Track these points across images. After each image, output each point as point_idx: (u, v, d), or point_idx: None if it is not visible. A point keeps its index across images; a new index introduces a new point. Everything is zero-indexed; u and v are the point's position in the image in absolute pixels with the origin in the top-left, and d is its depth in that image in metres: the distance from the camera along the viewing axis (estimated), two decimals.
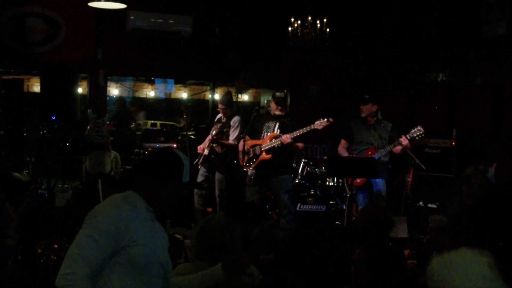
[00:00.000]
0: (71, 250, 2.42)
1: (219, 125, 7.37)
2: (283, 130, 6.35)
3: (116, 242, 2.44)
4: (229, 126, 7.22)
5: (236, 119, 7.26)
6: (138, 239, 2.48)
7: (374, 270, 3.29)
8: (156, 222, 2.68)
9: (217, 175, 7.23)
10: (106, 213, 2.49)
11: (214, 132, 7.26)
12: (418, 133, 6.34)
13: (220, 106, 7.42)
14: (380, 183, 6.50)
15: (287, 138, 6.19)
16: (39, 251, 3.64)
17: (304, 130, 6.24)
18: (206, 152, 7.25)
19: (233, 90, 9.94)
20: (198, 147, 7.43)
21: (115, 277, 2.46)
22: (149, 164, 2.67)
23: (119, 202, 2.56)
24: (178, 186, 2.63)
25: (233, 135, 7.17)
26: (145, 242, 2.51)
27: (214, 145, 7.20)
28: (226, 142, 7.15)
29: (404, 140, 6.27)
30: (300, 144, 6.41)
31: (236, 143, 7.01)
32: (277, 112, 6.50)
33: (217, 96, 10.94)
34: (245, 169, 6.50)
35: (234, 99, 10.86)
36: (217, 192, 7.23)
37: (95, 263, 2.40)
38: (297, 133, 6.23)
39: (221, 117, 7.46)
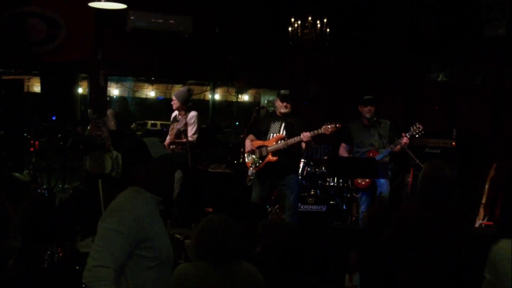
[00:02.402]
0: (96, 244, 2.49)
1: (175, 124, 7.27)
2: (289, 131, 6.31)
3: (140, 236, 2.53)
4: (186, 124, 7.11)
5: (192, 114, 7.18)
6: (159, 232, 2.61)
7: (373, 272, 3.31)
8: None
9: (177, 174, 7.16)
10: (129, 208, 2.57)
11: (169, 138, 7.21)
12: (417, 131, 6.34)
13: (173, 99, 7.30)
14: (384, 184, 6.49)
15: (307, 135, 6.11)
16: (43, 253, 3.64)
17: (315, 133, 6.21)
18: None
19: (233, 90, 9.96)
20: None
21: (140, 270, 2.55)
22: (127, 157, 2.80)
23: (131, 198, 2.65)
24: (162, 159, 2.70)
25: (191, 131, 7.09)
26: (162, 235, 2.65)
27: (172, 146, 7.16)
28: (184, 140, 7.09)
29: (406, 140, 6.28)
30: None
31: (194, 139, 7.05)
32: (283, 110, 6.37)
33: (217, 96, 10.95)
34: (250, 170, 6.43)
35: (234, 99, 10.88)
36: (175, 191, 7.12)
37: (122, 255, 2.48)
38: (315, 132, 6.18)
39: (176, 115, 7.36)
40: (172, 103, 7.36)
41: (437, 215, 3.53)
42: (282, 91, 6.48)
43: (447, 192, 3.62)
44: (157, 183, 2.70)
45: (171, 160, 2.75)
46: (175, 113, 7.38)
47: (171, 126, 7.36)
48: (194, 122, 7.17)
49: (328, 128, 6.15)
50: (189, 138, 7.06)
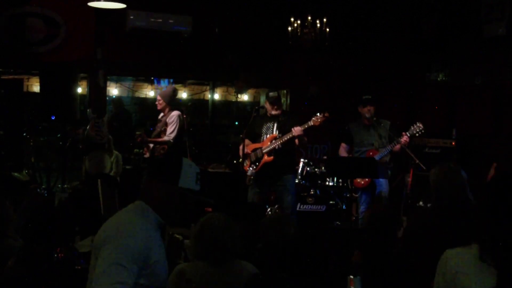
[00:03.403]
0: (98, 278, 2.28)
1: (158, 125, 7.25)
2: (282, 130, 6.33)
3: (143, 264, 2.33)
4: (166, 124, 7.08)
5: (173, 114, 7.12)
6: (159, 258, 2.42)
7: (373, 272, 3.29)
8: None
9: None
10: (131, 236, 2.35)
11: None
12: (417, 130, 6.34)
13: (157, 98, 7.27)
14: (383, 183, 6.50)
15: (298, 129, 6.14)
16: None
17: (305, 126, 6.21)
18: (147, 155, 7.21)
19: (233, 90, 9.94)
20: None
21: None
22: (158, 168, 2.54)
23: (136, 220, 2.44)
24: (185, 192, 2.49)
25: (169, 130, 7.05)
26: (162, 259, 2.46)
27: (145, 146, 7.15)
28: (159, 139, 7.05)
29: (406, 139, 6.27)
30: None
31: (170, 138, 6.97)
32: (273, 112, 6.43)
33: (216, 96, 10.93)
34: (250, 170, 6.44)
35: (234, 99, 10.87)
36: None
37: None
38: (305, 125, 6.19)
39: (161, 116, 7.35)
40: (157, 103, 7.34)
41: (456, 219, 3.48)
42: (271, 94, 6.48)
43: (463, 195, 3.57)
44: (170, 210, 2.51)
45: (193, 198, 2.51)
46: (161, 114, 7.39)
47: (157, 125, 7.35)
48: (174, 121, 7.10)
49: (317, 119, 6.16)
50: (165, 137, 7.04)
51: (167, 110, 7.21)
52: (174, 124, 7.08)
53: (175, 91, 7.47)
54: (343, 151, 6.82)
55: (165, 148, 7.07)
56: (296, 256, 3.36)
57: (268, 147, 6.34)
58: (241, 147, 6.48)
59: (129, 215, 2.48)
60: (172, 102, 7.26)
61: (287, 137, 6.22)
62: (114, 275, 2.25)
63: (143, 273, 2.34)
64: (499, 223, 2.01)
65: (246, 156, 6.44)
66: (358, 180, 6.56)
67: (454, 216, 3.50)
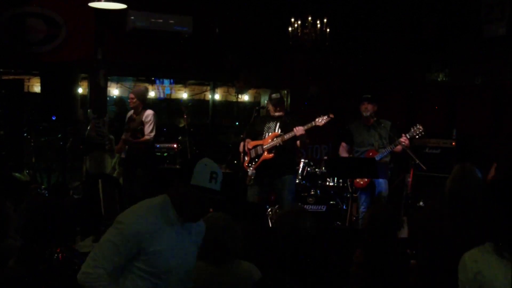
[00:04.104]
0: (94, 249, 2.61)
1: (131, 124, 7.29)
2: (284, 129, 6.33)
3: (137, 250, 2.56)
4: (142, 123, 7.15)
5: (148, 113, 7.20)
6: (162, 249, 2.59)
7: (373, 271, 3.29)
8: (190, 226, 2.75)
9: (139, 172, 7.20)
10: (131, 222, 2.60)
11: (124, 135, 7.26)
12: (417, 132, 6.33)
13: (130, 96, 7.33)
14: (383, 183, 6.49)
15: (301, 129, 6.14)
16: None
17: (308, 126, 6.22)
18: (123, 155, 7.32)
19: (233, 90, 9.93)
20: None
21: (131, 279, 2.60)
22: (181, 168, 2.86)
23: (148, 210, 2.66)
24: (201, 191, 2.64)
25: (147, 129, 7.14)
26: (169, 251, 2.61)
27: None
28: (142, 139, 7.12)
29: (405, 140, 6.27)
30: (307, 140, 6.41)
31: (151, 137, 7.09)
32: (276, 114, 6.44)
33: (217, 96, 10.93)
34: (247, 170, 6.46)
35: (234, 99, 10.87)
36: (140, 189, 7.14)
37: (114, 265, 2.56)
38: (309, 125, 6.20)
39: (131, 115, 7.39)
40: (129, 100, 7.40)
41: (471, 221, 3.45)
42: (273, 95, 6.48)
43: (480, 196, 3.53)
44: (185, 206, 2.67)
45: (205, 193, 2.64)
46: (131, 112, 7.43)
47: (127, 126, 7.38)
48: (150, 120, 7.19)
49: (321, 120, 6.17)
50: (146, 137, 7.12)
51: (140, 108, 7.29)
52: (151, 123, 7.18)
53: (147, 90, 7.65)
54: (343, 150, 6.82)
55: (140, 148, 7.17)
56: (310, 250, 3.36)
57: (269, 144, 6.34)
58: (241, 144, 6.48)
59: (146, 203, 2.72)
60: (145, 100, 7.39)
61: (289, 135, 6.22)
62: (104, 250, 2.57)
63: (140, 258, 2.57)
64: None
65: (246, 153, 6.43)
66: (357, 180, 6.56)
67: (470, 218, 3.46)
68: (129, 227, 2.58)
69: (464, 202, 3.54)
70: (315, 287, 3.25)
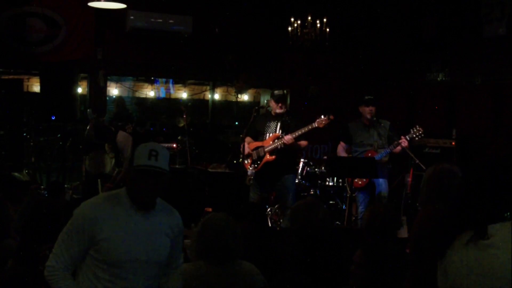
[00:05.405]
0: (55, 244, 2.68)
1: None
2: (285, 130, 6.30)
3: (89, 238, 2.60)
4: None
5: (122, 135, 6.88)
6: (111, 236, 2.60)
7: (373, 271, 3.29)
8: (155, 216, 2.71)
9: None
10: (82, 211, 2.66)
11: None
12: (417, 134, 6.32)
13: None
14: (383, 183, 6.48)
15: (289, 139, 6.15)
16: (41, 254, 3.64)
17: (306, 129, 6.19)
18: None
19: (233, 90, 9.93)
20: None
21: (91, 270, 2.63)
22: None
23: (99, 200, 2.73)
24: (140, 169, 2.63)
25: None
26: (119, 239, 2.60)
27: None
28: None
29: (404, 142, 6.26)
30: (303, 142, 6.36)
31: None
32: (278, 110, 6.37)
33: (217, 96, 10.94)
34: (247, 170, 6.44)
35: (234, 99, 10.88)
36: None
37: (70, 256, 2.62)
38: (298, 132, 6.18)
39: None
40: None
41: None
42: (276, 92, 6.45)
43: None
44: (131, 189, 2.68)
45: (144, 171, 2.62)
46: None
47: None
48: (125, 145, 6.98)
49: (321, 121, 6.16)
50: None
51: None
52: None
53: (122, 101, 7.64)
54: (341, 150, 6.80)
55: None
56: (323, 241, 3.36)
57: (270, 146, 6.32)
58: (242, 145, 6.47)
59: (104, 194, 2.83)
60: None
61: (280, 143, 6.22)
62: (60, 242, 2.65)
63: (93, 247, 2.60)
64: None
65: (248, 155, 6.42)
66: (356, 180, 6.55)
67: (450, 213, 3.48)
68: (79, 215, 2.64)
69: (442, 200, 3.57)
70: (324, 286, 3.26)
